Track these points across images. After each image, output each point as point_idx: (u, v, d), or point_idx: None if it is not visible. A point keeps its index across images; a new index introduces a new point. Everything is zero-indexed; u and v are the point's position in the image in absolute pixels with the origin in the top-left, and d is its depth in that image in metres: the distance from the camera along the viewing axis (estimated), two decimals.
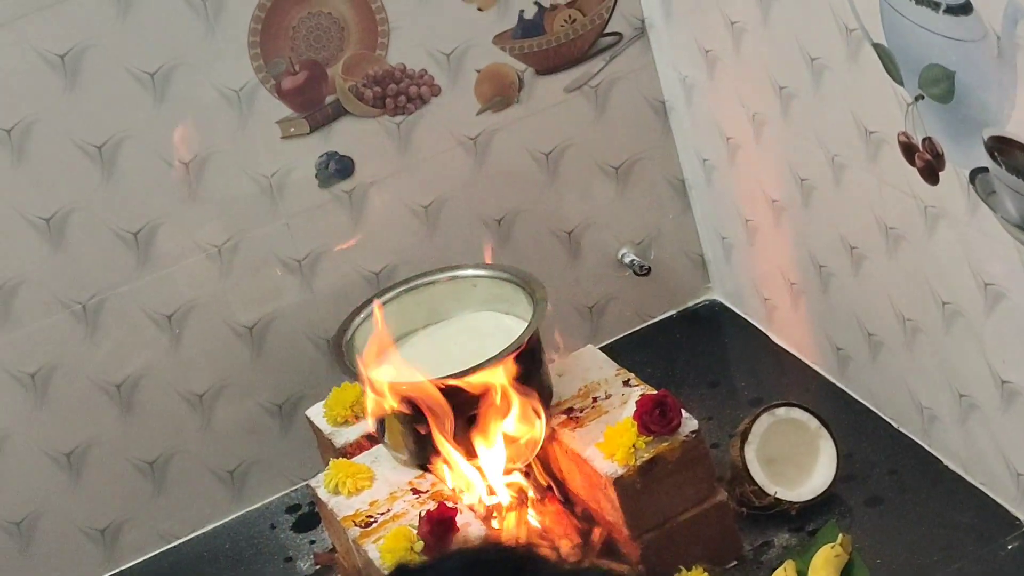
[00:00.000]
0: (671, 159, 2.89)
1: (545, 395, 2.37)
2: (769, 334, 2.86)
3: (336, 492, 2.35)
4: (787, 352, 2.81)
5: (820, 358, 2.72)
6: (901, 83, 2.10)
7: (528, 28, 2.71)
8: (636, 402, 2.30)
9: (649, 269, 2.88)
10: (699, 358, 2.88)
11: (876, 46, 2.12)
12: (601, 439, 2.29)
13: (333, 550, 2.60)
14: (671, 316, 3.01)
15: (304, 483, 2.78)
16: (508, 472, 2.33)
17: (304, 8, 2.55)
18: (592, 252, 2.91)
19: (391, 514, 2.29)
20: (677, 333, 2.97)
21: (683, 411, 2.29)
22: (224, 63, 2.53)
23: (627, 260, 2.91)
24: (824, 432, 2.45)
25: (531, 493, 2.32)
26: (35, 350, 2.58)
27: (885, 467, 2.50)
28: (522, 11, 2.70)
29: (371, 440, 2.47)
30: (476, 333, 2.42)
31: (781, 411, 2.44)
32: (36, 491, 2.65)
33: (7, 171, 2.46)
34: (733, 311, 2.97)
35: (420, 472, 2.35)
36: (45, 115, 2.45)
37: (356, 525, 2.29)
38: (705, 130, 2.76)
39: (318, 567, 2.61)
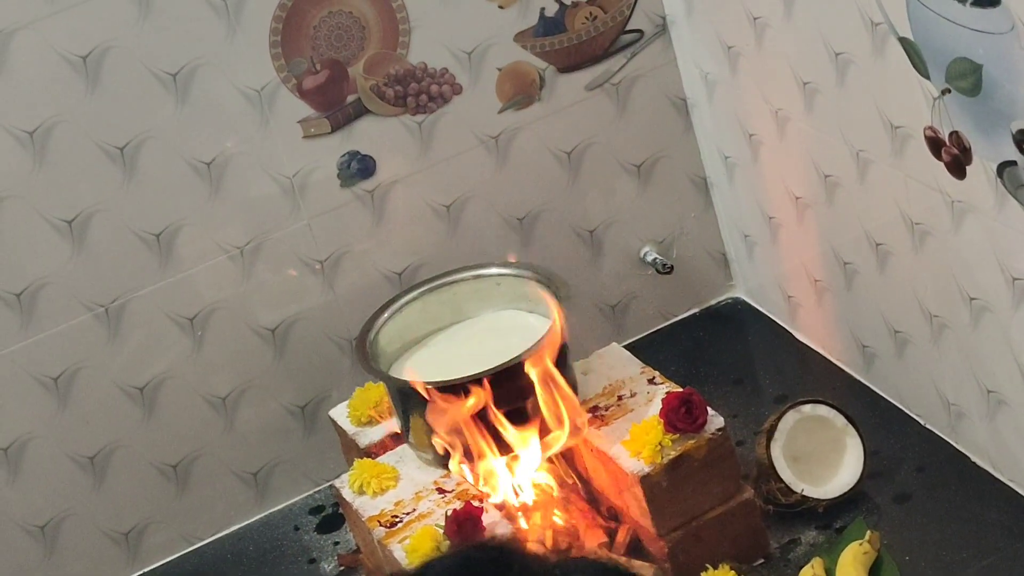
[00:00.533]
0: (693, 157, 2.88)
1: (572, 392, 2.36)
2: (793, 331, 2.85)
3: (361, 492, 2.35)
4: (812, 350, 2.80)
5: (845, 355, 2.70)
6: (927, 77, 2.09)
7: (549, 26, 2.70)
8: (662, 400, 2.29)
9: (672, 267, 2.87)
10: (723, 356, 2.87)
11: (902, 40, 2.10)
12: (627, 437, 2.28)
13: (357, 551, 2.60)
14: (694, 314, 3.00)
15: (328, 484, 2.78)
16: (536, 470, 2.32)
17: (325, 7, 2.55)
18: (614, 251, 2.90)
19: (416, 514, 2.28)
20: (700, 331, 2.96)
21: (709, 409, 2.28)
22: (245, 63, 2.53)
23: (649, 259, 2.90)
24: (851, 429, 2.43)
25: (556, 492, 2.31)
26: (58, 353, 2.57)
27: (913, 464, 2.48)
28: (543, 8, 2.69)
29: (395, 440, 2.47)
30: (500, 332, 2.42)
31: (807, 408, 2.43)
32: (60, 494, 2.64)
33: (29, 173, 2.46)
34: (756, 309, 2.95)
35: (445, 471, 2.34)
36: (67, 117, 2.45)
37: (381, 525, 2.28)
38: (727, 127, 2.75)
39: (342, 568, 2.60)
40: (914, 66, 2.10)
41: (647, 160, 2.86)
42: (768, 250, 2.82)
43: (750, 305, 2.97)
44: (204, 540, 2.76)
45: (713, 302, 3.01)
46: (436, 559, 1.12)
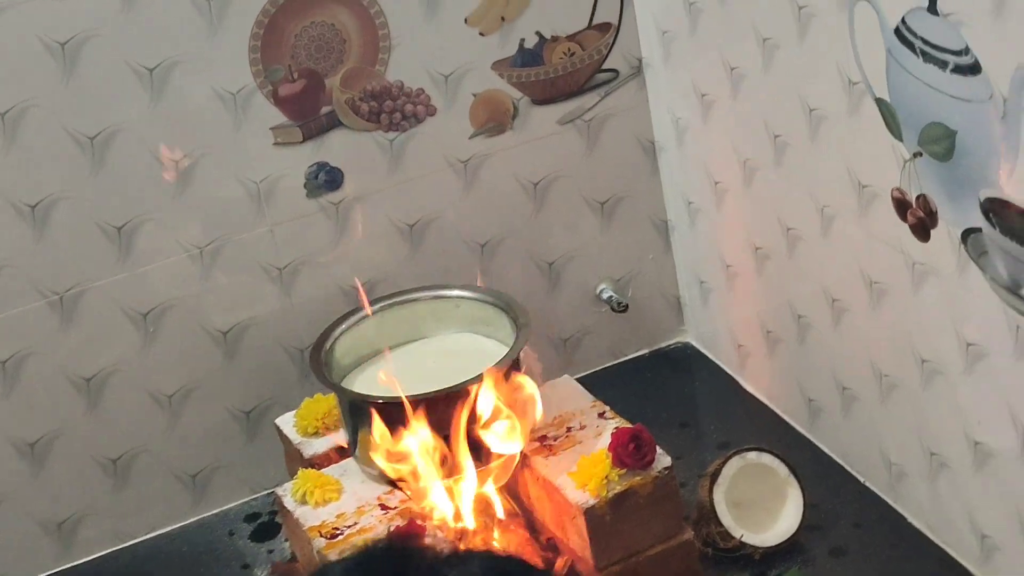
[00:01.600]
0: (657, 199, 2.91)
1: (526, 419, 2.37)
2: (740, 380, 2.88)
3: (303, 501, 2.34)
4: (757, 400, 2.82)
5: (791, 408, 2.73)
6: (900, 139, 2.12)
7: (528, 57, 2.72)
8: (612, 434, 2.30)
9: (627, 306, 2.90)
10: (669, 399, 2.89)
11: (878, 100, 2.14)
12: (574, 468, 2.29)
13: (292, 560, 2.59)
14: (644, 355, 3.02)
15: (266, 492, 2.77)
16: (478, 494, 2.32)
17: (308, 17, 2.56)
18: (571, 285, 2.92)
19: (358, 527, 2.28)
20: (649, 372, 2.98)
21: (657, 447, 2.30)
22: (223, 65, 2.53)
23: (605, 296, 2.92)
24: (792, 480, 2.46)
25: (499, 515, 2.31)
26: (8, 337, 2.56)
27: (850, 519, 2.51)
28: (523, 40, 2.71)
29: (340, 453, 2.46)
30: (456, 354, 2.42)
31: (752, 455, 2.45)
32: None
33: None
34: (705, 355, 2.98)
35: (389, 488, 2.34)
36: (40, 101, 2.44)
37: (322, 536, 2.27)
38: (693, 173, 2.78)
39: None
40: (888, 127, 2.14)
41: (611, 198, 2.88)
42: (723, 297, 2.85)
43: (699, 351, 3.00)
44: (138, 538, 2.75)
45: (663, 345, 3.03)
46: (335, 561, 1.13)
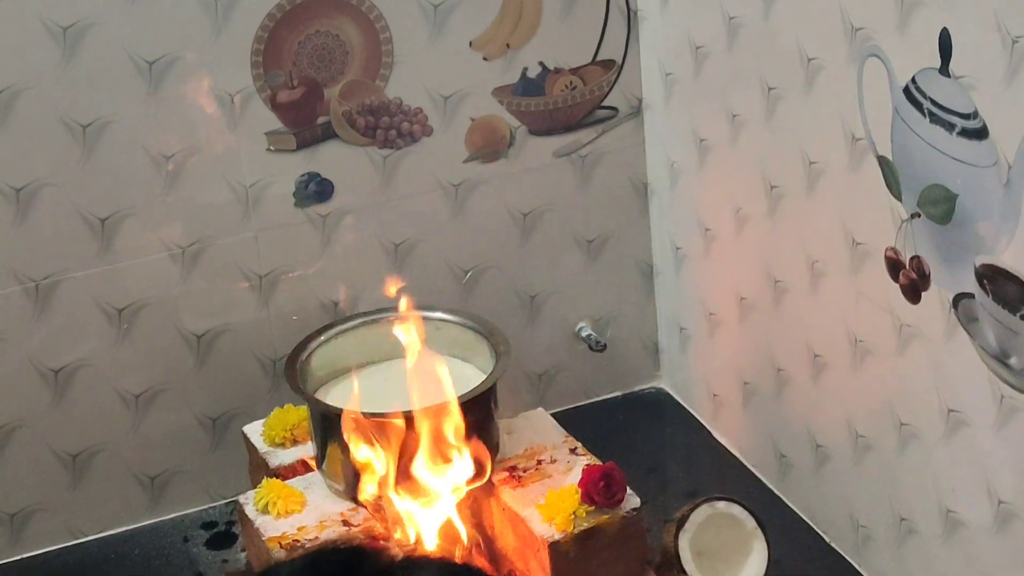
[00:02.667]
0: (644, 242, 2.90)
1: (491, 449, 2.34)
2: (712, 430, 2.86)
3: (265, 511, 2.31)
4: (728, 451, 2.81)
5: (761, 462, 2.71)
6: (899, 198, 2.11)
7: (529, 86, 2.71)
8: (583, 470, 2.28)
9: (605, 346, 2.88)
10: (639, 443, 2.86)
11: (880, 159, 2.13)
12: (542, 501, 2.27)
13: (246, 572, 2.55)
14: (616, 397, 3.00)
15: (225, 501, 2.74)
16: (439, 519, 2.29)
17: (313, 25, 2.54)
18: (551, 320, 2.89)
19: (319, 542, 2.25)
20: (620, 415, 2.96)
21: (628, 488, 2.27)
22: (224, 65, 2.51)
23: (584, 334, 2.90)
24: (759, 533, 2.43)
25: (462, 541, 2.28)
26: None
27: None
28: (526, 68, 2.70)
29: (305, 467, 2.43)
30: (431, 376, 2.39)
31: (721, 505, 2.42)
32: None
33: None
34: (679, 402, 2.96)
35: (353, 505, 2.31)
36: (36, 84, 2.41)
37: (282, 547, 2.24)
38: (684, 218, 2.76)
39: None
40: (888, 186, 2.13)
41: (598, 237, 2.86)
42: (702, 345, 2.83)
43: (673, 398, 2.98)
44: (90, 536, 2.70)
45: (637, 388, 3.01)
46: (284, 562, 1.11)
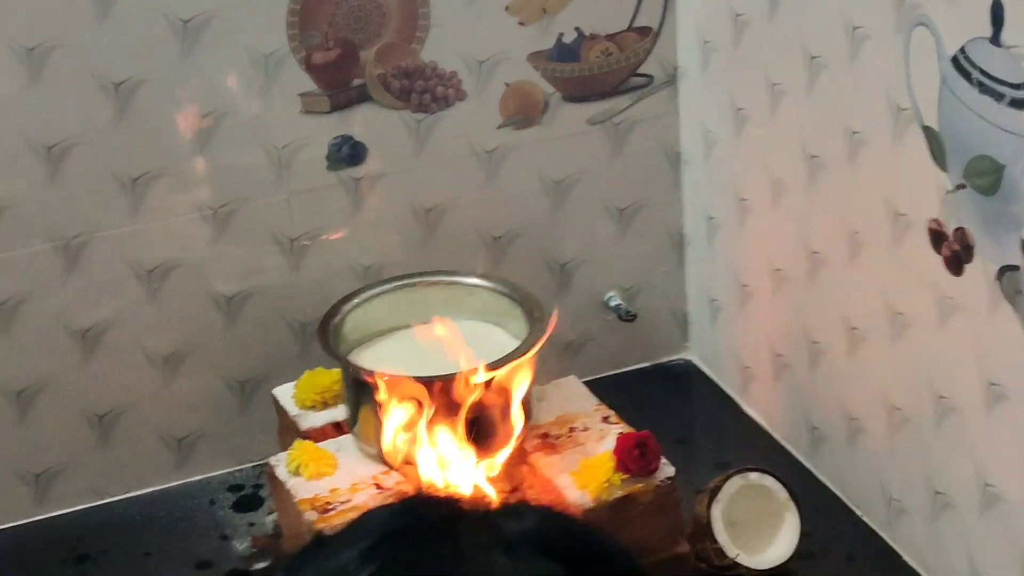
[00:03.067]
0: (675, 211, 2.87)
1: (525, 414, 2.33)
2: (741, 402, 2.84)
3: (296, 473, 2.30)
4: (757, 423, 2.79)
5: (792, 434, 2.69)
6: (945, 169, 2.09)
7: (564, 52, 2.69)
8: (617, 438, 2.26)
9: (635, 316, 2.86)
10: (667, 414, 2.84)
11: (926, 129, 2.11)
12: (576, 469, 2.26)
13: (273, 536, 2.54)
14: (644, 368, 2.98)
15: (251, 464, 2.73)
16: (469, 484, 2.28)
17: None
18: (580, 289, 2.88)
19: (351, 504, 2.24)
20: (648, 386, 2.94)
21: (663, 457, 2.26)
22: (260, 25, 2.49)
23: (613, 304, 2.88)
24: (792, 505, 2.42)
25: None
26: (9, 278, 2.50)
27: (843, 551, 2.48)
28: (562, 34, 2.68)
29: (337, 429, 2.42)
30: (467, 340, 2.37)
31: (754, 476, 2.41)
32: None
33: (21, 90, 2.40)
34: (706, 374, 2.94)
35: (385, 468, 2.30)
36: (70, 41, 2.39)
37: (314, 509, 2.23)
38: (718, 188, 2.74)
39: (255, 550, 2.54)
40: (933, 156, 2.11)
41: (630, 206, 2.84)
42: (733, 317, 2.81)
43: (700, 370, 2.96)
44: (115, 496, 2.69)
45: (665, 360, 2.99)
46: (376, 508, 1.07)
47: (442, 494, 1.12)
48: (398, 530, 1.01)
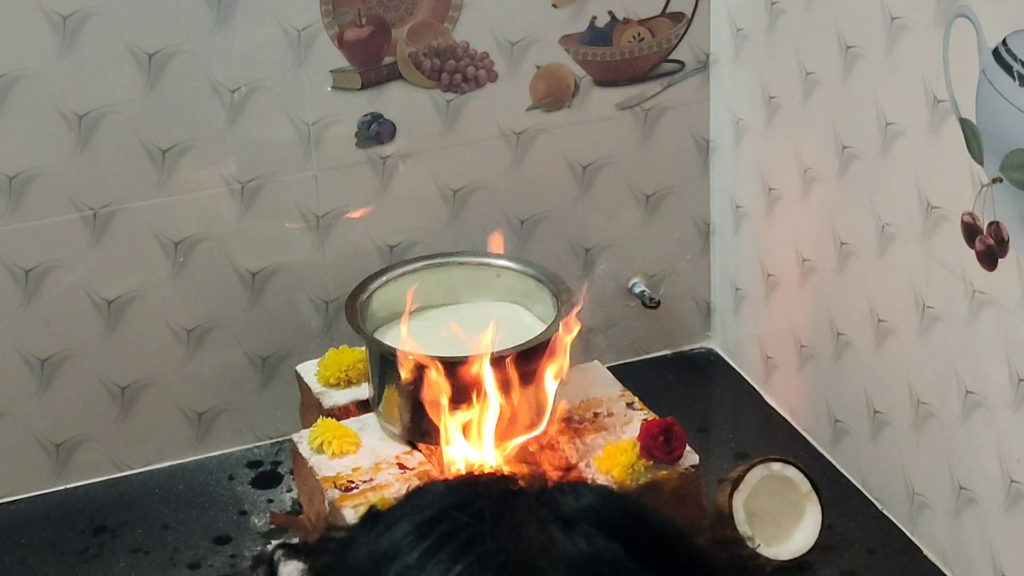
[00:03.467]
0: (702, 199, 2.86)
1: (551, 397, 2.32)
2: (763, 392, 2.83)
3: (320, 451, 2.29)
4: (778, 414, 2.78)
5: (814, 426, 2.69)
6: (981, 163, 2.08)
7: (596, 36, 2.68)
8: (642, 424, 2.26)
9: (658, 303, 2.85)
10: (689, 403, 2.83)
11: (963, 121, 2.10)
12: (599, 454, 2.25)
13: (292, 512, 2.54)
14: (665, 356, 2.97)
15: (271, 440, 2.72)
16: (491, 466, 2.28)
17: None
18: (604, 274, 2.87)
19: (373, 483, 2.23)
20: (670, 374, 2.93)
21: (686, 444, 2.25)
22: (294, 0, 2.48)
23: (637, 290, 2.87)
24: (813, 496, 2.41)
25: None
26: (36, 246, 2.50)
27: (864, 545, 2.47)
28: (594, 18, 2.66)
29: (359, 408, 2.41)
30: (492, 321, 2.37)
31: (776, 466, 2.41)
32: (2, 391, 2.56)
33: (53, 59, 2.39)
34: (728, 363, 2.93)
35: (408, 448, 2.29)
36: (104, 10, 2.39)
37: (336, 487, 2.22)
38: (746, 176, 2.73)
39: (273, 526, 2.54)
40: (969, 149, 2.10)
41: (657, 192, 2.83)
42: (757, 306, 2.80)
43: (723, 358, 2.95)
44: (134, 469, 2.69)
45: (686, 348, 2.98)
46: (430, 483, 1.06)
47: (497, 471, 1.11)
48: (455, 505, 1.00)
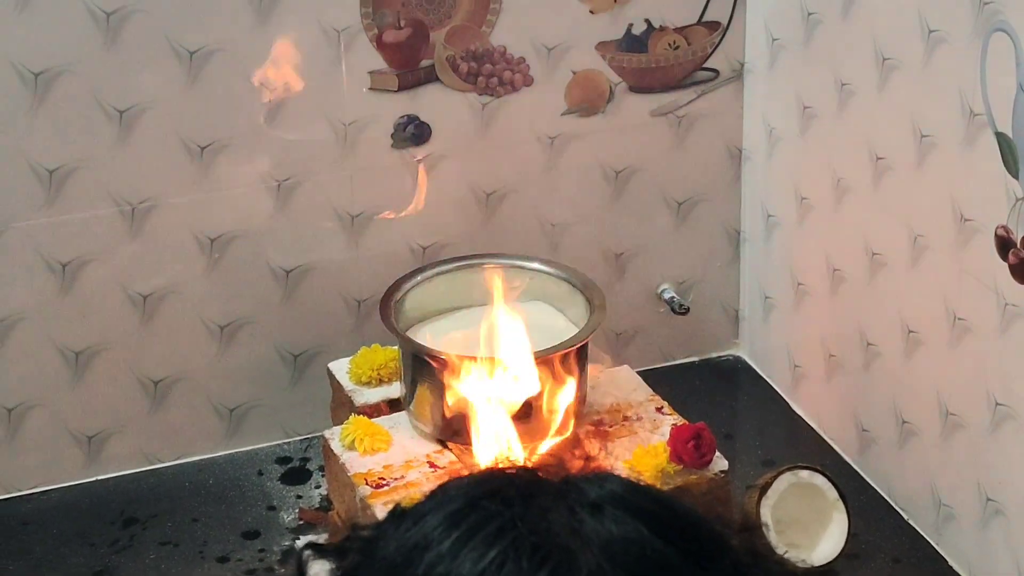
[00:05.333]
0: (733, 207, 2.88)
1: (579, 402, 2.34)
2: (790, 401, 2.84)
3: (351, 448, 2.31)
4: (805, 423, 2.79)
5: (840, 435, 2.70)
6: (1016, 176, 2.09)
7: (632, 43, 2.69)
8: (672, 428, 2.27)
9: (688, 309, 2.87)
10: (715, 409, 2.85)
11: (999, 135, 2.11)
12: (629, 457, 2.26)
13: (321, 509, 2.56)
14: (693, 363, 2.99)
15: (300, 437, 2.74)
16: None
17: None
18: (634, 280, 2.88)
19: (404, 481, 2.25)
20: (697, 380, 2.94)
21: (716, 450, 2.27)
22: (334, 1, 2.50)
23: (667, 296, 2.89)
24: (840, 505, 2.42)
25: None
26: (73, 239, 2.52)
27: (889, 554, 2.48)
28: (631, 24, 2.68)
29: (391, 406, 2.43)
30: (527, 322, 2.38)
31: (804, 474, 2.42)
32: (36, 382, 2.59)
33: (98, 53, 2.42)
34: (756, 371, 2.95)
35: (439, 447, 2.31)
36: (147, 7, 2.41)
37: (367, 484, 2.24)
38: (779, 186, 2.75)
39: (302, 522, 2.56)
40: (1004, 163, 2.11)
41: (689, 200, 2.85)
42: (786, 315, 2.81)
43: (750, 366, 2.96)
44: (165, 462, 2.71)
45: (714, 355, 3.00)
46: (454, 479, 1.08)
47: (520, 464, 1.13)
48: (483, 495, 1.01)
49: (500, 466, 1.09)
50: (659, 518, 1.00)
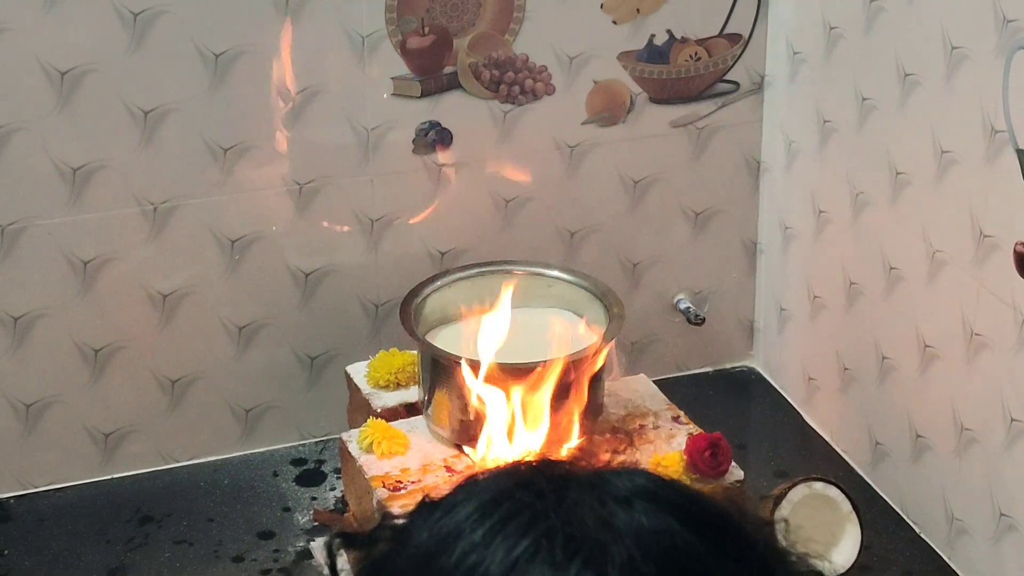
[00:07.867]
0: (750, 219, 2.89)
1: (595, 410, 2.35)
2: (803, 413, 2.85)
3: (369, 450, 2.32)
4: (818, 435, 2.80)
5: (853, 448, 2.71)
6: None
7: (654, 54, 2.71)
8: (688, 438, 2.28)
9: (703, 320, 2.88)
10: (728, 420, 2.85)
11: (1020, 152, 2.12)
12: (645, 466, 2.27)
13: (335, 511, 2.57)
14: (707, 373, 3.00)
15: (315, 439, 2.76)
16: None
17: None
18: (650, 289, 2.90)
19: (421, 485, 2.26)
20: (711, 391, 2.96)
21: (732, 460, 2.28)
22: (360, 6, 2.52)
23: (682, 307, 2.90)
24: (854, 517, 2.43)
25: None
26: (96, 238, 2.54)
27: (901, 567, 2.49)
28: (653, 35, 2.70)
29: (408, 410, 2.44)
30: (542, 330, 2.40)
31: (818, 485, 2.43)
32: (55, 378, 2.60)
33: (123, 54, 2.43)
34: (770, 383, 2.96)
35: (456, 452, 2.32)
36: (174, 9, 2.43)
37: (385, 487, 2.25)
38: (797, 198, 2.76)
39: (316, 524, 2.57)
40: None
41: (706, 211, 2.86)
42: (801, 328, 2.83)
43: (764, 378, 2.98)
44: (180, 462, 2.72)
45: (729, 366, 3.01)
46: (481, 472, 1.08)
47: (546, 457, 1.13)
48: (514, 485, 1.02)
49: (529, 459, 1.09)
50: (688, 512, 1.01)
